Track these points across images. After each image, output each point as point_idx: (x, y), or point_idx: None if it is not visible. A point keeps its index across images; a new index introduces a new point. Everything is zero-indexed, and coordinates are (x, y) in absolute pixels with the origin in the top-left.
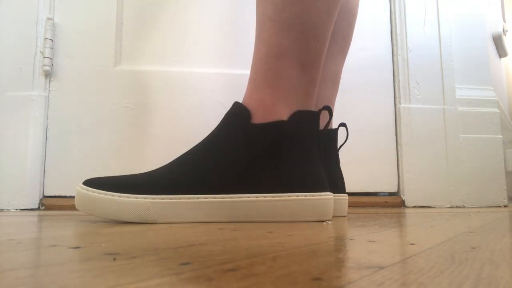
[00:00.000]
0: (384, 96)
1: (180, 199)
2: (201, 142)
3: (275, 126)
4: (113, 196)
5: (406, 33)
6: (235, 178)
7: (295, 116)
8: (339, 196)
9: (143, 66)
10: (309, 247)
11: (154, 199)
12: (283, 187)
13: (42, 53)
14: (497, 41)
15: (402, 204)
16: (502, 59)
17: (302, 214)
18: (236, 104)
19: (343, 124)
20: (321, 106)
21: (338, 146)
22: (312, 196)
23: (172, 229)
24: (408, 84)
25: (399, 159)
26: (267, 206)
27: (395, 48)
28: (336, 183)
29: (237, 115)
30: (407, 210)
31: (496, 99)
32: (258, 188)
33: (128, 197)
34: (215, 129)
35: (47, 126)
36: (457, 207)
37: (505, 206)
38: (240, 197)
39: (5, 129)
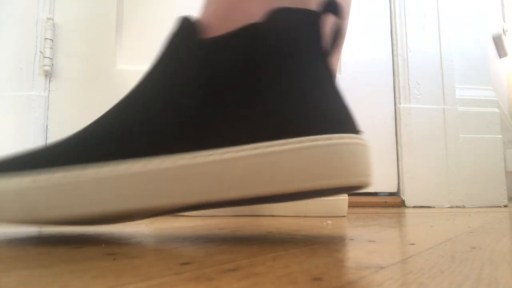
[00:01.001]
0: (384, 96)
1: (84, 169)
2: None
3: (243, 35)
4: None
5: (406, 33)
6: (185, 128)
7: (276, 14)
8: (339, 196)
9: (143, 66)
10: (309, 247)
11: (38, 175)
12: (265, 133)
13: (42, 53)
14: (497, 41)
15: (402, 204)
16: (502, 59)
17: (304, 174)
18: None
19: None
20: None
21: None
22: (321, 140)
23: (172, 229)
24: (408, 84)
25: (399, 159)
26: (245, 167)
27: (395, 48)
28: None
29: (180, 32)
30: (407, 210)
31: (496, 99)
32: (226, 138)
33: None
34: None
35: (47, 126)
36: (457, 207)
37: (505, 206)
38: (195, 156)
39: (5, 129)
